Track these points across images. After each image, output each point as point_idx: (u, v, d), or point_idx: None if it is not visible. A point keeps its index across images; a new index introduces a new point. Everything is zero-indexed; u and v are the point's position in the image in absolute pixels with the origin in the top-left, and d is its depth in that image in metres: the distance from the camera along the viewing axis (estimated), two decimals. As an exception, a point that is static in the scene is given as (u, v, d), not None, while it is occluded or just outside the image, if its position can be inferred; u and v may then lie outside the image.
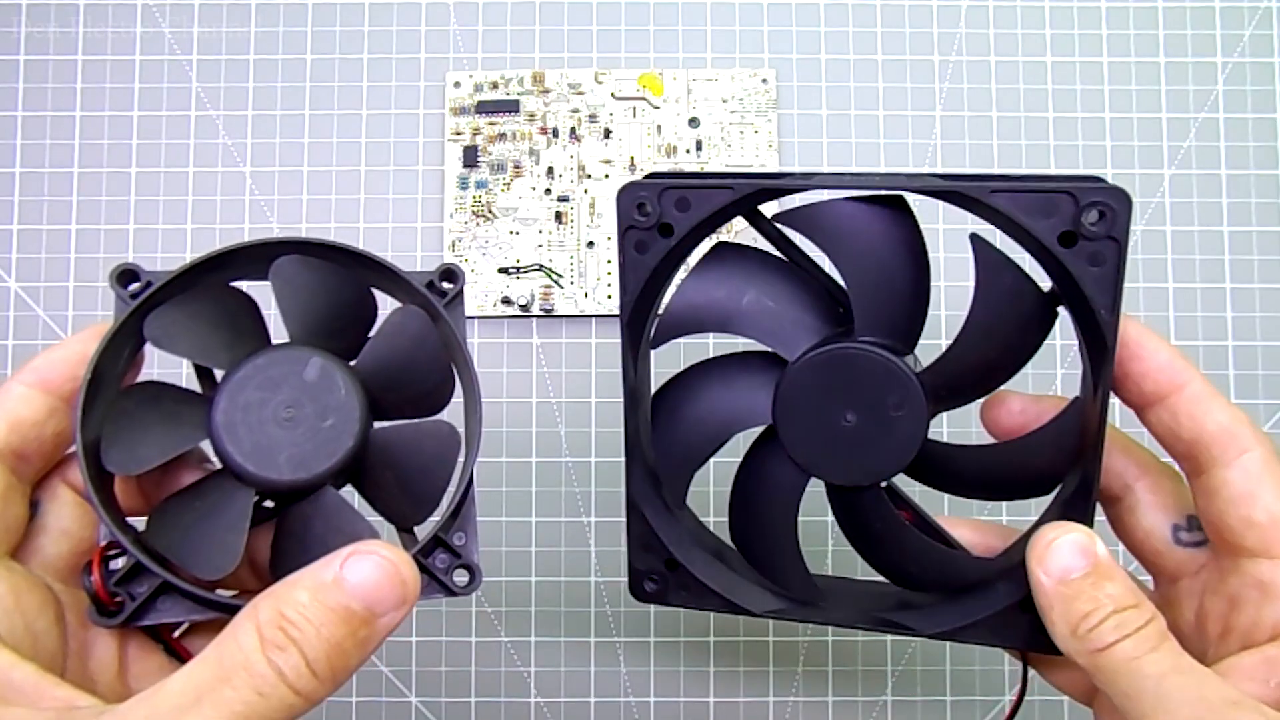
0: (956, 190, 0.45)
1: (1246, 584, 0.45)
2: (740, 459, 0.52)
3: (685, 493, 0.52)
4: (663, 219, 0.48)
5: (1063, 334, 0.49)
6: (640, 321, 0.50)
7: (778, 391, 0.49)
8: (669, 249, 0.48)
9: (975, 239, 0.45)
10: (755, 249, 0.52)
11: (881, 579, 0.52)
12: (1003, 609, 0.48)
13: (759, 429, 0.51)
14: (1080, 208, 0.43)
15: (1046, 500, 0.51)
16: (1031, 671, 0.52)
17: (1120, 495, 0.49)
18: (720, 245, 0.51)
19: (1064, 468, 0.48)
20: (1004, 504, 0.71)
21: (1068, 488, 0.49)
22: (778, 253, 0.52)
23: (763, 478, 0.51)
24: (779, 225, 0.49)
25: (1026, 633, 0.48)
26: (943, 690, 0.71)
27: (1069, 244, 0.43)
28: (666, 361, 0.52)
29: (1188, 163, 0.74)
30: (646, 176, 0.48)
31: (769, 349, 0.51)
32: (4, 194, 0.73)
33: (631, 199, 0.48)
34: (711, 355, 0.52)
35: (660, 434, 0.52)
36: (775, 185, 0.47)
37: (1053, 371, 0.71)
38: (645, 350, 0.52)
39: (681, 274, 0.51)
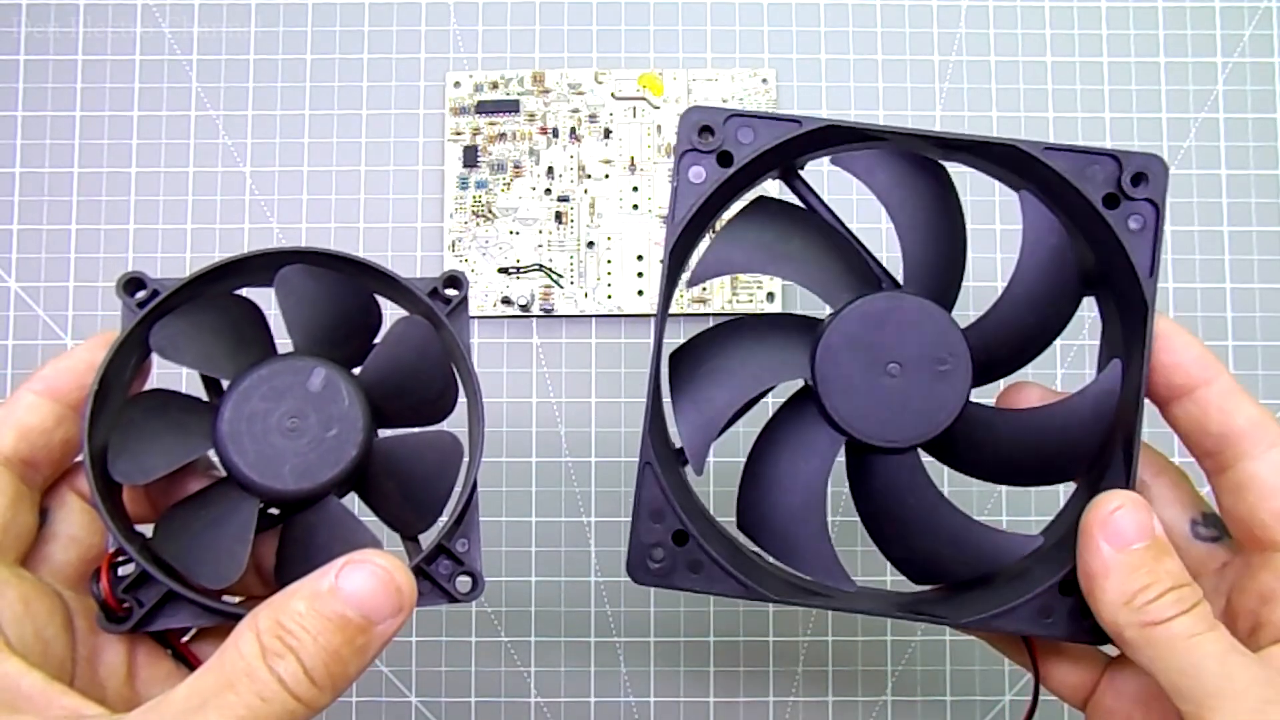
0: (1013, 145, 0.47)
1: None
2: (752, 446, 0.51)
3: (706, 454, 0.49)
4: (724, 147, 0.48)
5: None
6: (683, 253, 0.50)
7: (820, 339, 0.48)
8: (725, 178, 0.48)
9: (1026, 197, 0.48)
10: (798, 205, 0.52)
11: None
12: (1042, 592, 0.47)
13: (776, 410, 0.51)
14: (1123, 170, 0.47)
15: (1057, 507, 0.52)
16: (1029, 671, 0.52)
17: (1138, 492, 0.49)
18: (763, 198, 0.51)
19: (1100, 439, 0.48)
20: (1002, 516, 0.72)
21: (1098, 473, 0.49)
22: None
23: (790, 444, 0.50)
24: (836, 165, 0.50)
25: (1067, 617, 0.47)
26: (943, 690, 0.71)
27: (1112, 205, 0.47)
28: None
29: (1188, 163, 0.75)
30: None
31: (800, 314, 0.51)
32: (4, 194, 0.74)
33: (695, 121, 0.48)
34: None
35: (682, 390, 0.50)
36: (844, 124, 0.48)
37: (1052, 371, 0.72)
38: (673, 290, 0.51)
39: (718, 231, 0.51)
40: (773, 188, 0.59)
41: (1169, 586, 0.43)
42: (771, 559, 0.51)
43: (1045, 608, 0.47)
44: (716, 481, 0.71)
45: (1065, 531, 0.49)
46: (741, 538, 0.51)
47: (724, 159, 0.48)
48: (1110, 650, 0.51)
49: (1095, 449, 0.49)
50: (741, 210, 0.50)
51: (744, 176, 0.49)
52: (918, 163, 0.50)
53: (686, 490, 0.51)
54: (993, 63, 0.76)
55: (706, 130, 0.48)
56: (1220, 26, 0.76)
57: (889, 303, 0.48)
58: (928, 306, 0.48)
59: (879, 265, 0.51)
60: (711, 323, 0.51)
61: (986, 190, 0.65)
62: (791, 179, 0.51)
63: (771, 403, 0.52)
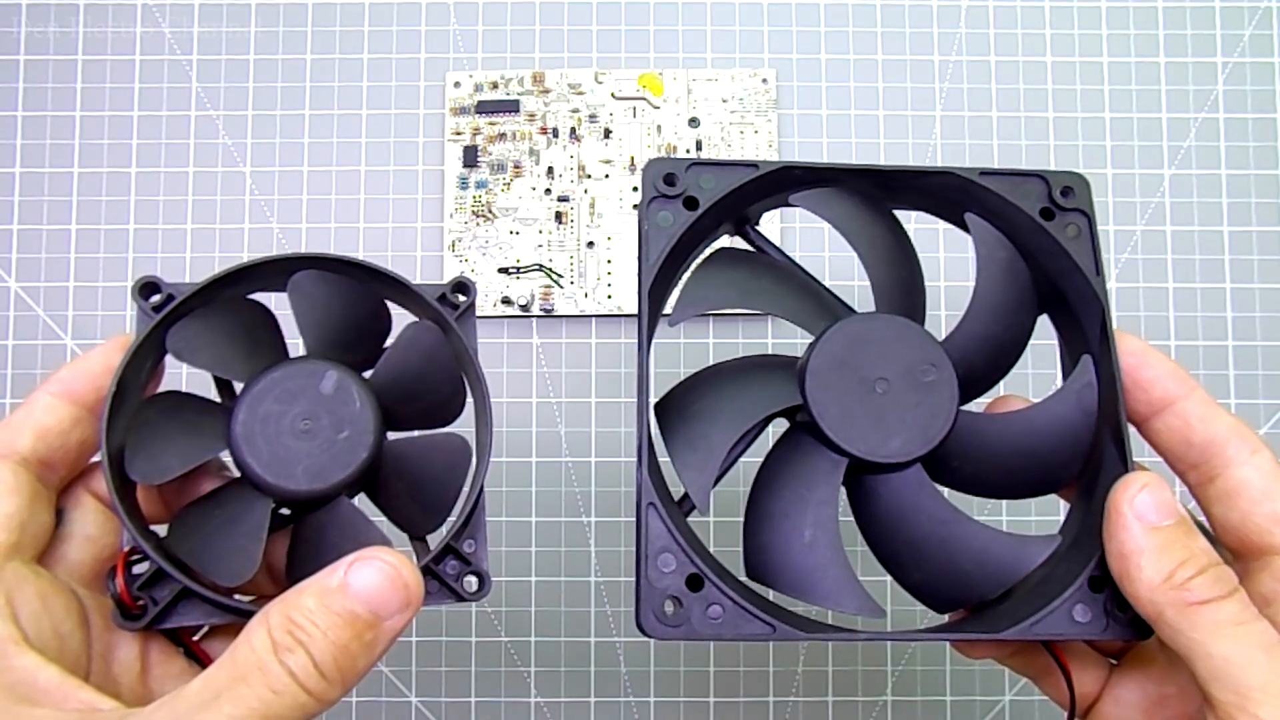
0: (950, 171, 0.53)
1: None
2: (751, 489, 0.52)
3: (709, 491, 0.49)
4: (688, 192, 0.51)
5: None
6: (659, 295, 0.52)
7: (806, 364, 0.50)
8: (692, 221, 0.51)
9: (971, 218, 0.53)
10: (759, 253, 0.55)
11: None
12: (1075, 591, 0.47)
13: (763, 456, 0.52)
14: (1050, 188, 0.52)
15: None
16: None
17: None
18: (724, 249, 0.54)
19: (1090, 432, 0.50)
20: (1002, 516, 0.74)
21: (1093, 474, 0.51)
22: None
23: (791, 474, 0.51)
24: (795, 206, 0.53)
25: (1104, 614, 0.47)
26: (943, 690, 0.73)
27: (1048, 218, 0.52)
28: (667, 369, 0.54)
29: (1188, 163, 0.77)
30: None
31: (777, 354, 0.54)
32: (4, 194, 0.76)
33: (659, 171, 0.51)
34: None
35: (675, 434, 0.50)
36: (799, 166, 0.52)
37: (1054, 371, 0.74)
38: (653, 333, 0.52)
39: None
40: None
41: (1206, 564, 0.44)
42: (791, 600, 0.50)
43: (1080, 607, 0.48)
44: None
45: (1079, 529, 0.50)
46: (756, 588, 0.51)
47: (690, 203, 0.51)
48: (1113, 659, 0.52)
49: (1088, 443, 0.50)
50: (708, 257, 0.53)
51: (708, 219, 0.52)
52: (868, 197, 0.53)
53: (694, 536, 0.49)
54: (993, 63, 0.78)
55: (670, 178, 0.51)
56: (1220, 26, 0.78)
57: (866, 323, 0.51)
58: (904, 322, 0.51)
59: (842, 302, 0.54)
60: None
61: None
62: (746, 230, 0.55)
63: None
